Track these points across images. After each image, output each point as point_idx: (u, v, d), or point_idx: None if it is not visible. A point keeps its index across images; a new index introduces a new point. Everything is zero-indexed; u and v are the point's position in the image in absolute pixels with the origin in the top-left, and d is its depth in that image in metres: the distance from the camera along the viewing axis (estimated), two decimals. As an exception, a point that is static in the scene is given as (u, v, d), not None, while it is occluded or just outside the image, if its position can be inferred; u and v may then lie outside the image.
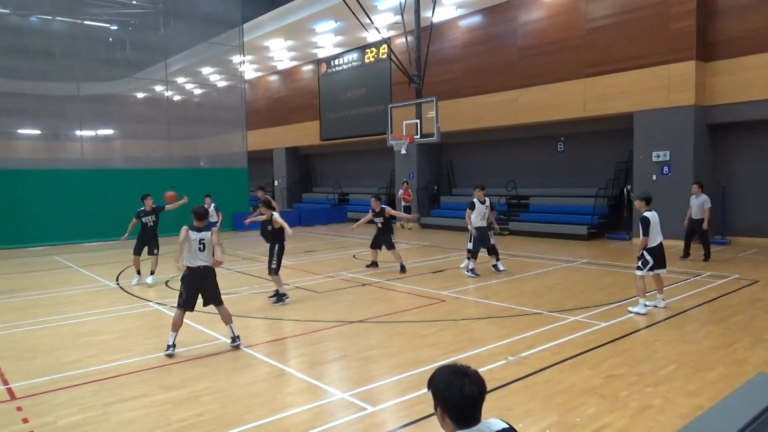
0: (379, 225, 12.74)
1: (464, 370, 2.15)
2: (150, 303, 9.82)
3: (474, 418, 2.12)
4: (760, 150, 15.57)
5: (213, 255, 6.96)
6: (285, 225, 9.40)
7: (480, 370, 2.17)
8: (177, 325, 6.83)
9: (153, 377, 6.06)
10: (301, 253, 15.72)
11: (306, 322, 8.21)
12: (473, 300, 9.46)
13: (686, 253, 13.31)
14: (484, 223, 11.82)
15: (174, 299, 9.99)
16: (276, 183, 33.25)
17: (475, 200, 11.79)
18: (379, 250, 12.95)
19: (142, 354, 6.87)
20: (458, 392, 2.08)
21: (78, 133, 20.76)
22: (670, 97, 15.72)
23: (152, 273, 11.86)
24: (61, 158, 20.22)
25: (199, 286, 6.89)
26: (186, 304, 6.84)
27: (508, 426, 2.19)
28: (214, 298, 7.01)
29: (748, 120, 15.24)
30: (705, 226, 12.90)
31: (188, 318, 8.52)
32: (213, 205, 15.45)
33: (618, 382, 5.55)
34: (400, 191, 22.72)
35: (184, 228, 6.87)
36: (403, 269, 12.33)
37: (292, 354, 6.87)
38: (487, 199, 11.94)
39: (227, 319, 7.00)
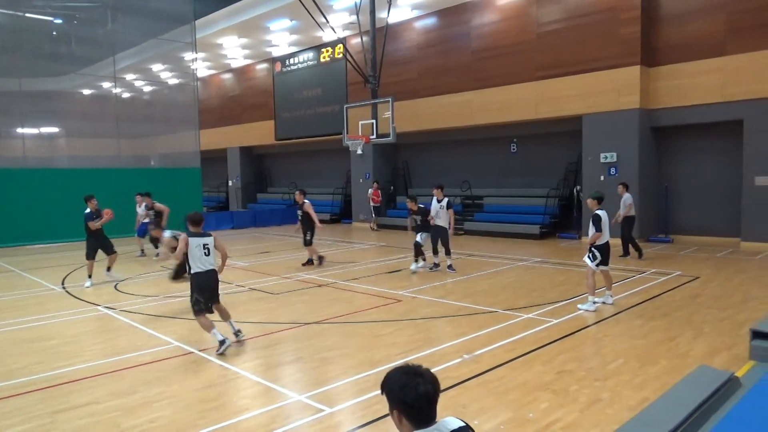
0: (299, 217, 12.97)
1: (417, 370, 2.17)
2: (99, 307, 9.50)
3: (430, 416, 2.15)
4: (700, 152, 16.31)
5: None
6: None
7: (435, 369, 2.22)
8: (209, 325, 6.85)
9: (103, 383, 5.87)
10: (256, 254, 15.52)
11: (262, 324, 8.12)
12: (429, 299, 9.55)
13: (625, 252, 13.79)
14: (442, 223, 11.96)
15: (124, 303, 9.77)
16: (230, 183, 32.68)
17: (433, 198, 12.04)
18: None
19: (92, 360, 6.65)
20: (413, 392, 2.10)
21: (20, 130, 19.86)
22: (617, 100, 16.28)
23: (108, 269, 11.70)
24: (0, 157, 19.31)
25: (212, 287, 7.02)
26: (208, 307, 6.99)
27: (464, 424, 2.23)
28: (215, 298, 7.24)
29: (688, 123, 15.94)
30: (616, 220, 12.97)
31: (140, 322, 8.35)
32: (144, 204, 14.76)
33: (568, 377, 5.73)
34: (370, 191, 22.49)
35: (183, 237, 6.87)
36: (321, 261, 13.11)
37: (248, 356, 6.78)
38: (446, 199, 12.08)
39: (227, 315, 7.23)
